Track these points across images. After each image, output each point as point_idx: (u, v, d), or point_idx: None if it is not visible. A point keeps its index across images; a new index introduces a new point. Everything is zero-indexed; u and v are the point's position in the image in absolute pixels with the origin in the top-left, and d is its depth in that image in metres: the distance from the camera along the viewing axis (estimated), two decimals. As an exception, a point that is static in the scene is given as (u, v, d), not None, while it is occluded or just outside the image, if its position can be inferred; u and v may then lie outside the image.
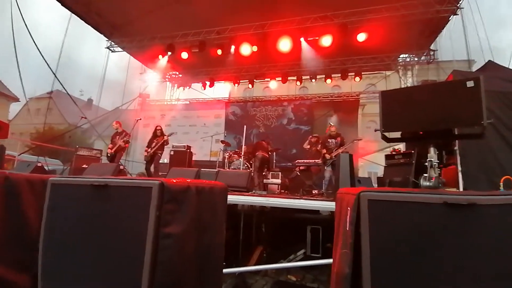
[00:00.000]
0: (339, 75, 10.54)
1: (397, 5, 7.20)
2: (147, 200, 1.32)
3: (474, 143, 3.89)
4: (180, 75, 12.34)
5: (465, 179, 3.91)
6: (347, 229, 1.21)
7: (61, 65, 9.04)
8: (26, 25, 7.62)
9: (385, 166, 6.86)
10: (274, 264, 3.79)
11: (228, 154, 8.00)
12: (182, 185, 1.45)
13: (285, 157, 9.94)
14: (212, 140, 8.99)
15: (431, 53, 9.33)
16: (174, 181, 1.43)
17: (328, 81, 10.96)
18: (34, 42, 7.87)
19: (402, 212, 1.08)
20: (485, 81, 1.88)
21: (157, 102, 13.23)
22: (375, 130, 2.33)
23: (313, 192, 6.18)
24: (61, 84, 8.96)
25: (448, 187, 3.78)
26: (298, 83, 11.40)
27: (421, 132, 2.21)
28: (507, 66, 5.30)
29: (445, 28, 8.11)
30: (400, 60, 10.56)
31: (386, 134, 2.27)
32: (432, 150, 2.14)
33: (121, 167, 6.60)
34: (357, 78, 10.54)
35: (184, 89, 13.15)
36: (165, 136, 6.89)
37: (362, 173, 13.16)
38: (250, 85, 11.87)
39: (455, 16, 7.32)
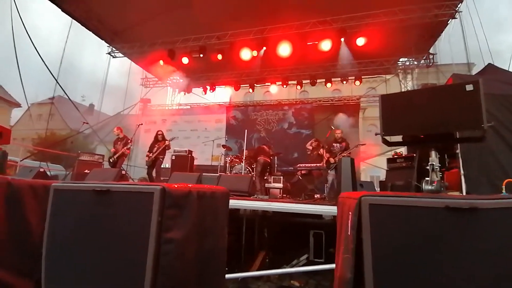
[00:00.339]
0: (339, 79, 10.57)
1: (395, 9, 7.25)
2: (149, 205, 1.32)
3: (476, 146, 3.88)
4: (181, 80, 12.41)
5: (468, 183, 3.89)
6: (349, 234, 1.21)
7: (63, 71, 9.11)
8: (26, 30, 7.68)
9: (387, 170, 6.85)
10: (277, 269, 3.76)
11: (229, 158, 8.00)
12: (183, 190, 1.46)
13: (287, 161, 9.92)
14: (213, 145, 9.01)
15: (431, 56, 9.36)
16: (176, 186, 1.43)
17: (328, 85, 11.00)
18: (35, 47, 7.93)
19: (404, 217, 1.09)
20: (485, 84, 1.89)
21: (158, 107, 13.29)
22: (376, 134, 2.33)
23: (315, 196, 6.16)
24: (62, 89, 9.01)
25: (451, 191, 3.77)
26: (299, 87, 11.43)
27: (422, 136, 2.21)
28: (507, 69, 5.31)
29: (444, 31, 8.15)
30: (399, 64, 10.60)
31: (387, 138, 2.27)
32: (433, 153, 2.14)
33: (123, 172, 6.62)
34: (357, 82, 10.57)
35: (185, 94, 13.21)
36: (166, 141, 6.90)
37: (364, 177, 13.15)
38: (250, 90, 11.91)
39: (453, 19, 7.35)
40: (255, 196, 5.12)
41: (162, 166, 7.14)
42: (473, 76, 5.44)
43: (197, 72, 11.25)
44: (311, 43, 8.22)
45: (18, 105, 23.68)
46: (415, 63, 10.11)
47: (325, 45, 7.99)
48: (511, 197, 1.11)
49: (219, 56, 8.97)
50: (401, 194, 1.17)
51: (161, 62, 9.51)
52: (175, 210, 1.38)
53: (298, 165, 8.08)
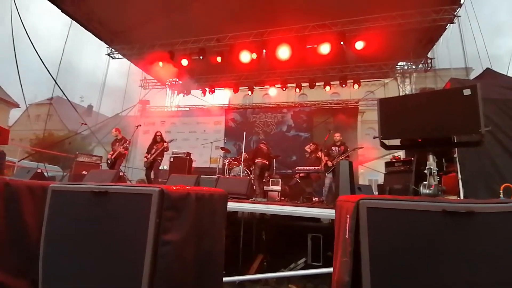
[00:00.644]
0: (338, 82, 10.63)
1: (394, 14, 7.30)
2: (147, 207, 1.32)
3: (473, 150, 3.89)
4: (180, 82, 12.41)
5: (465, 187, 3.90)
6: (347, 237, 1.21)
7: (62, 71, 9.07)
8: (26, 31, 7.67)
9: (385, 174, 6.86)
10: (274, 273, 3.76)
11: (228, 161, 7.99)
12: (181, 192, 1.46)
13: (285, 164, 9.93)
14: (212, 147, 9.00)
15: (429, 61, 9.42)
16: (174, 188, 1.43)
17: (327, 88, 11.05)
18: (35, 48, 7.91)
19: (401, 220, 1.09)
20: (483, 89, 1.90)
21: (157, 109, 13.28)
22: (374, 138, 2.34)
23: (313, 199, 6.17)
24: (61, 90, 8.98)
25: (449, 195, 3.78)
26: (298, 90, 11.47)
27: (420, 140, 2.22)
28: (505, 73, 5.34)
29: (442, 36, 8.20)
30: (398, 68, 10.66)
31: (385, 141, 2.28)
32: (431, 157, 2.15)
33: (121, 173, 6.59)
34: (356, 86, 10.62)
35: (184, 96, 13.22)
36: (165, 143, 6.89)
37: (362, 180, 13.16)
38: (249, 92, 11.94)
39: (452, 24, 7.41)
40: (253, 199, 5.11)
41: (160, 168, 7.12)
42: (471, 80, 5.46)
43: (196, 74, 11.27)
44: (310, 46, 8.26)
45: (16, 105, 23.64)
46: (413, 67, 10.17)
47: (324, 48, 8.03)
48: (508, 202, 1.11)
49: (219, 59, 9.00)
50: (399, 197, 1.17)
51: (160, 63, 9.52)
52: (173, 212, 1.38)
53: (297, 168, 8.08)
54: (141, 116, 12.80)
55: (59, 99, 17.07)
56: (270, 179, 7.04)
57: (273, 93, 12.02)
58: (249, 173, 7.28)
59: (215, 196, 1.84)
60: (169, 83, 12.92)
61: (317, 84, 10.95)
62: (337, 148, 6.51)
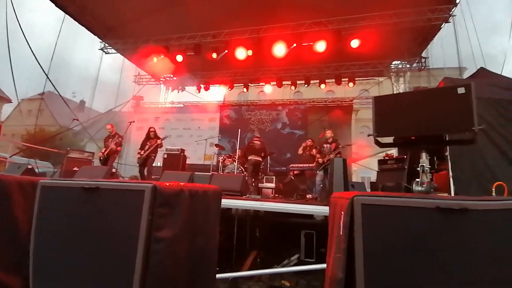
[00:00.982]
0: (333, 80, 10.65)
1: (390, 12, 7.33)
2: (139, 203, 1.30)
3: (465, 149, 3.94)
4: (175, 78, 12.31)
5: (457, 185, 3.95)
6: (341, 233, 1.21)
7: (54, 66, 8.92)
8: (20, 25, 7.52)
9: (378, 171, 6.92)
10: (267, 269, 3.77)
11: (222, 158, 7.97)
12: (175, 188, 1.44)
13: (279, 162, 9.94)
14: (206, 144, 8.96)
15: (423, 60, 9.49)
16: (167, 184, 1.41)
17: (322, 86, 11.06)
18: (28, 42, 7.76)
19: (396, 217, 1.09)
20: (476, 88, 1.91)
21: (151, 105, 13.16)
22: (368, 135, 2.35)
23: (307, 196, 6.19)
24: (53, 85, 8.84)
25: (440, 192, 3.82)
26: (293, 87, 11.46)
27: (413, 138, 2.23)
28: (500, 73, 5.38)
29: (436, 35, 8.27)
30: (392, 67, 10.73)
31: (379, 139, 2.29)
32: (424, 155, 2.17)
33: (114, 170, 6.52)
34: (351, 84, 10.66)
35: (178, 92, 13.11)
36: (158, 140, 6.82)
37: (355, 178, 13.26)
38: (245, 89, 11.91)
39: (447, 23, 7.46)
40: (247, 195, 5.11)
41: (153, 164, 7.06)
42: (464, 80, 5.51)
43: (191, 70, 11.18)
44: (306, 43, 8.25)
45: (8, 100, 23.24)
46: (408, 66, 10.25)
47: (320, 46, 8.02)
48: (501, 199, 1.12)
49: (214, 55, 8.93)
50: (393, 194, 1.17)
51: (154, 59, 9.41)
52: (166, 208, 1.36)
53: (291, 166, 8.10)
54: (134, 112, 12.67)
55: (50, 94, 16.80)
56: (264, 176, 7.04)
57: (268, 91, 12.00)
58: (243, 170, 7.26)
59: (208, 192, 1.83)
60: (164, 79, 12.79)
61: (312, 82, 10.96)
62: (328, 145, 6.49)
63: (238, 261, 4.22)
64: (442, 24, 7.58)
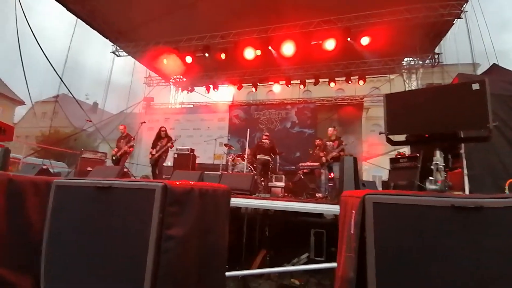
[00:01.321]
0: (343, 78, 10.54)
1: (401, 8, 7.20)
2: (150, 202, 1.32)
3: (480, 146, 3.85)
4: (184, 79, 12.42)
5: (471, 183, 3.86)
6: (352, 232, 1.19)
7: (67, 69, 9.15)
8: (31, 29, 7.71)
9: (390, 170, 6.80)
10: (277, 268, 3.76)
11: (231, 157, 7.99)
12: (185, 187, 1.45)
13: (289, 161, 9.91)
14: (215, 143, 9.00)
15: (436, 56, 9.28)
16: (178, 183, 1.42)
17: (332, 84, 10.95)
18: (40, 46, 7.96)
19: (408, 215, 1.07)
20: (490, 84, 1.86)
21: (162, 106, 13.32)
22: (380, 133, 2.31)
23: (317, 195, 6.14)
24: (67, 87, 9.05)
25: (454, 191, 3.74)
26: (302, 86, 11.39)
27: (427, 135, 2.19)
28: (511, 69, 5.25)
29: (449, 31, 8.07)
30: (404, 64, 10.52)
31: (391, 137, 2.25)
32: (438, 153, 2.11)
33: (126, 170, 6.62)
34: (361, 82, 10.53)
35: (188, 93, 13.23)
36: (169, 143, 6.84)
37: (366, 176, 13.08)
38: (253, 89, 11.90)
39: (459, 19, 7.29)
40: (257, 194, 5.11)
41: (164, 164, 7.14)
42: (478, 76, 5.39)
43: (200, 71, 11.26)
44: (315, 42, 8.19)
45: (22, 102, 23.86)
46: (420, 62, 10.04)
47: (329, 44, 7.94)
48: (518, 197, 1.08)
49: (223, 55, 8.97)
50: (406, 193, 1.15)
51: (164, 61, 9.51)
52: (176, 207, 1.37)
53: (300, 164, 8.05)
54: (145, 113, 12.86)
55: (64, 97, 17.17)
56: (274, 175, 7.02)
57: (277, 90, 11.97)
58: (253, 169, 7.27)
59: (218, 191, 1.84)
60: (173, 80, 12.93)
61: (321, 80, 10.87)
62: (331, 143, 6.33)
63: (247, 259, 4.23)
64: (454, 20, 7.40)
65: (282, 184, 6.73)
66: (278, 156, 8.11)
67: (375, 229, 1.09)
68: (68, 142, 15.35)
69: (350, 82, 10.48)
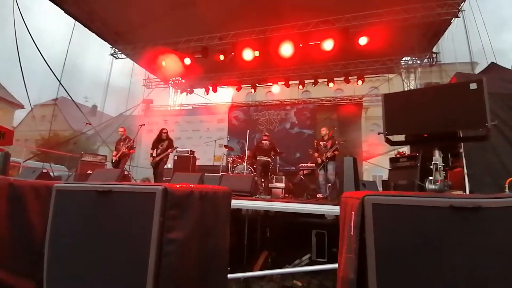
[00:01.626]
0: (342, 78, 10.56)
1: (398, 8, 7.22)
2: (150, 205, 1.32)
3: (479, 145, 3.85)
4: (183, 81, 12.43)
5: (471, 182, 3.87)
6: (352, 233, 1.20)
7: (66, 72, 9.15)
8: (29, 32, 7.73)
9: (390, 169, 6.81)
10: (279, 269, 3.76)
11: (231, 158, 8.00)
12: (185, 190, 1.46)
13: (289, 161, 9.91)
14: (215, 145, 9.01)
15: (434, 55, 9.31)
16: (178, 186, 1.43)
17: (331, 84, 10.97)
18: (38, 49, 7.97)
19: (408, 216, 1.07)
20: (488, 83, 1.87)
21: (161, 108, 13.32)
22: (379, 133, 2.32)
23: (318, 196, 6.14)
24: (66, 90, 9.06)
25: (454, 190, 3.74)
26: (301, 87, 11.41)
27: (425, 135, 2.19)
28: (510, 68, 5.27)
29: (447, 30, 8.09)
30: (402, 63, 10.54)
31: (390, 137, 2.26)
32: (437, 152, 2.12)
33: (126, 172, 6.62)
34: (360, 82, 10.55)
35: (187, 95, 13.24)
36: (170, 149, 6.79)
37: (366, 176, 13.09)
38: (252, 90, 11.91)
39: (457, 18, 7.31)
40: (257, 196, 5.11)
41: (164, 166, 7.14)
42: (477, 75, 5.40)
43: (199, 73, 11.26)
44: (313, 43, 8.20)
45: (21, 106, 23.85)
46: (418, 62, 10.06)
47: (328, 44, 7.95)
48: (516, 196, 1.09)
49: (221, 57, 8.98)
50: (405, 193, 1.16)
51: (163, 63, 9.52)
52: (177, 210, 1.37)
53: (300, 165, 8.06)
54: (145, 115, 12.86)
55: (63, 100, 17.19)
56: (274, 176, 7.02)
57: (276, 91, 11.98)
58: (253, 170, 7.27)
59: (218, 193, 1.84)
60: (172, 82, 12.94)
61: (320, 80, 10.89)
62: (324, 142, 6.30)
63: (249, 261, 4.23)
64: (452, 19, 7.42)
65: (282, 185, 6.73)
66: (278, 157, 8.12)
67: (374, 230, 1.09)
68: (67, 145, 15.34)
69: (349, 82, 10.50)
